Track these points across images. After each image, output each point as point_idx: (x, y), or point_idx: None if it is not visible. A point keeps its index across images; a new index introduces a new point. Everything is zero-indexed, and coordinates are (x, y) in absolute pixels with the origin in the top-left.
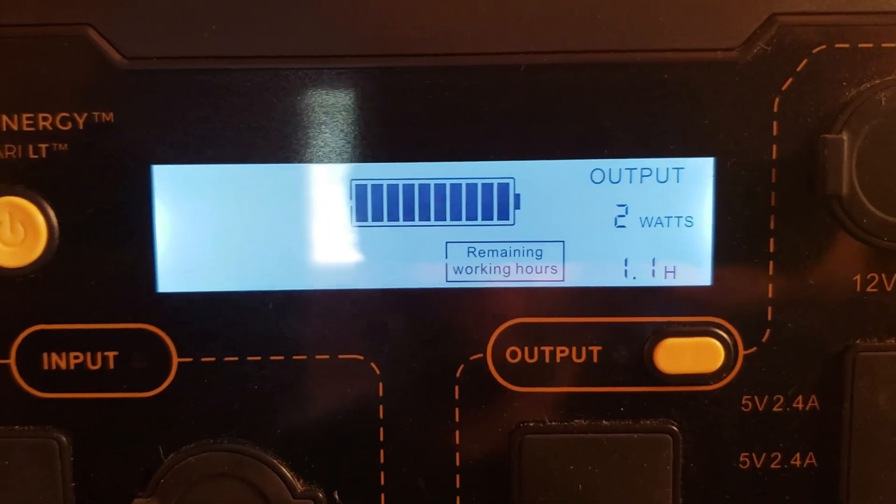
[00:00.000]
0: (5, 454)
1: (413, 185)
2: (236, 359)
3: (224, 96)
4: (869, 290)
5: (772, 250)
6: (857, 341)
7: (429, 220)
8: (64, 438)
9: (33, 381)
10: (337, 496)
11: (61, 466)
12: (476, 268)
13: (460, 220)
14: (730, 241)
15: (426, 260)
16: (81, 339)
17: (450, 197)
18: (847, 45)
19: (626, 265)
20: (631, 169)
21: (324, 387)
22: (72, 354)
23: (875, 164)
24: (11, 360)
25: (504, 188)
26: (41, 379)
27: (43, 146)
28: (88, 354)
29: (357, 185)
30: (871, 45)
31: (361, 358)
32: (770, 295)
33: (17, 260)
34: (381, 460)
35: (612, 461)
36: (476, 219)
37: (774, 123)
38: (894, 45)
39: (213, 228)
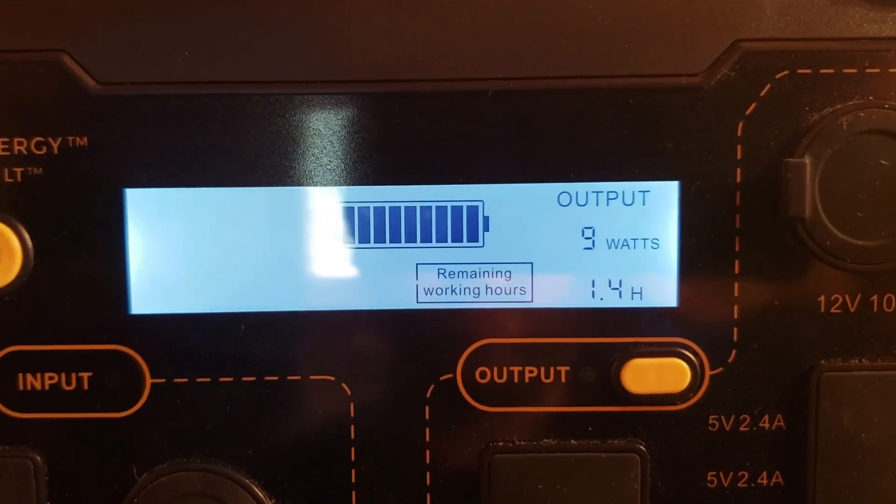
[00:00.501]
0: None
1: (384, 207)
2: (209, 379)
3: (196, 121)
4: (833, 310)
5: (737, 272)
6: (822, 361)
7: (399, 241)
8: (39, 458)
9: (8, 402)
10: None
11: (36, 486)
12: (446, 289)
13: (431, 242)
14: (695, 263)
15: (397, 281)
16: (56, 360)
17: (420, 219)
18: (809, 71)
19: (593, 286)
20: (597, 192)
21: (295, 407)
22: (46, 375)
23: (837, 188)
24: None
25: (473, 211)
26: (16, 399)
27: (18, 170)
28: (63, 375)
29: (328, 208)
30: (832, 71)
31: (332, 378)
32: (735, 316)
33: None
34: (353, 480)
35: (580, 480)
36: (446, 241)
37: (738, 147)
38: (855, 70)
39: (186, 251)
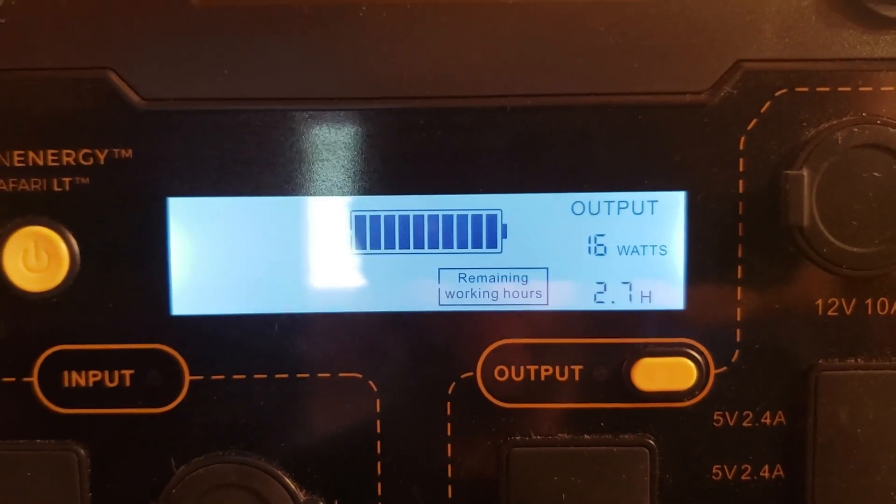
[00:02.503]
0: (27, 466)
1: (408, 216)
2: (244, 377)
3: (235, 134)
4: (830, 313)
5: (739, 277)
6: (820, 361)
7: (423, 248)
8: (82, 451)
9: (54, 398)
10: None
11: (79, 478)
12: (466, 292)
13: (452, 248)
14: (700, 268)
15: (420, 285)
16: (100, 359)
17: (442, 227)
18: (806, 89)
19: (604, 290)
20: (609, 202)
21: (325, 403)
22: (90, 373)
23: (833, 198)
24: (34, 378)
25: (492, 219)
26: (61, 396)
27: (66, 180)
28: (106, 373)
29: (356, 216)
30: (828, 89)
31: (360, 376)
32: (738, 318)
33: (41, 285)
34: (378, 472)
35: (593, 473)
36: (466, 247)
37: (741, 160)
38: (849, 88)
39: (224, 256)
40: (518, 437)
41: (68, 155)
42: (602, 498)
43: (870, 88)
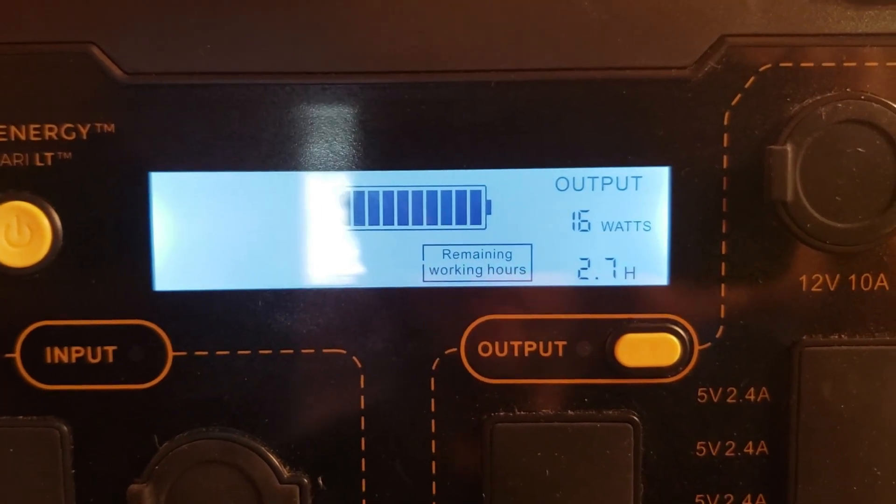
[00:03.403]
0: (10, 443)
1: (392, 191)
2: (227, 353)
3: (218, 109)
4: (814, 289)
5: (724, 252)
6: (804, 337)
7: (407, 224)
8: (65, 428)
9: (37, 374)
10: (321, 481)
11: (62, 454)
12: (451, 268)
13: (436, 224)
14: (685, 244)
15: (404, 261)
16: (82, 335)
17: (426, 203)
18: (791, 65)
19: (588, 266)
20: (593, 177)
21: (309, 379)
22: (73, 349)
23: (817, 173)
24: (16, 354)
25: (476, 195)
26: (44, 372)
27: (48, 154)
28: (89, 349)
29: (341, 192)
30: (812, 65)
31: (344, 352)
32: (722, 294)
33: (23, 260)
34: (363, 448)
35: (576, 449)
36: (451, 223)
37: (725, 135)
38: (833, 64)
39: (207, 231)
40: (502, 413)
41: (50, 129)
42: (586, 474)
43: (854, 64)
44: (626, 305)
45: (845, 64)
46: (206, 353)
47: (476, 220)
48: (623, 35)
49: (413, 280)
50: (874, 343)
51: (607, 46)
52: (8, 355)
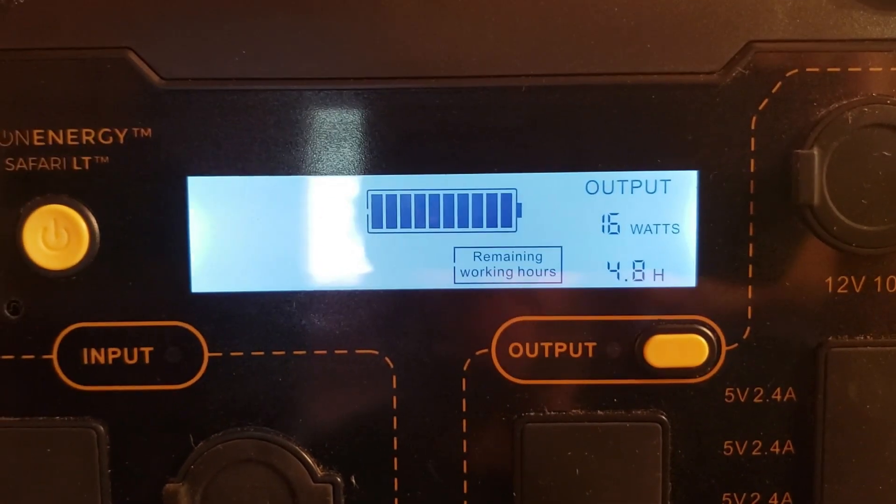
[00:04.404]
0: (48, 443)
1: (424, 195)
2: (262, 353)
3: (253, 114)
4: (840, 291)
5: (751, 255)
6: (830, 338)
7: (438, 227)
8: (101, 428)
9: (74, 375)
10: (354, 480)
11: (99, 454)
12: (481, 271)
13: (467, 227)
14: (712, 247)
15: (436, 264)
16: (119, 336)
17: (457, 206)
18: (817, 70)
19: (618, 268)
20: (622, 181)
21: (342, 379)
22: (110, 350)
23: (843, 177)
24: (54, 356)
25: (507, 198)
26: (81, 373)
27: (86, 159)
28: (125, 350)
29: (373, 196)
30: (838, 70)
31: (377, 353)
32: (749, 296)
33: (61, 263)
34: (395, 447)
35: (606, 448)
36: (481, 226)
37: (752, 140)
38: (859, 69)
39: (243, 234)
40: (532, 413)
41: (88, 134)
42: (615, 473)
43: (880, 69)
44: (654, 307)
45: (871, 69)
46: (241, 353)
47: (507, 222)
48: (652, 41)
49: (444, 282)
50: None
51: (636, 52)
52: (46, 356)
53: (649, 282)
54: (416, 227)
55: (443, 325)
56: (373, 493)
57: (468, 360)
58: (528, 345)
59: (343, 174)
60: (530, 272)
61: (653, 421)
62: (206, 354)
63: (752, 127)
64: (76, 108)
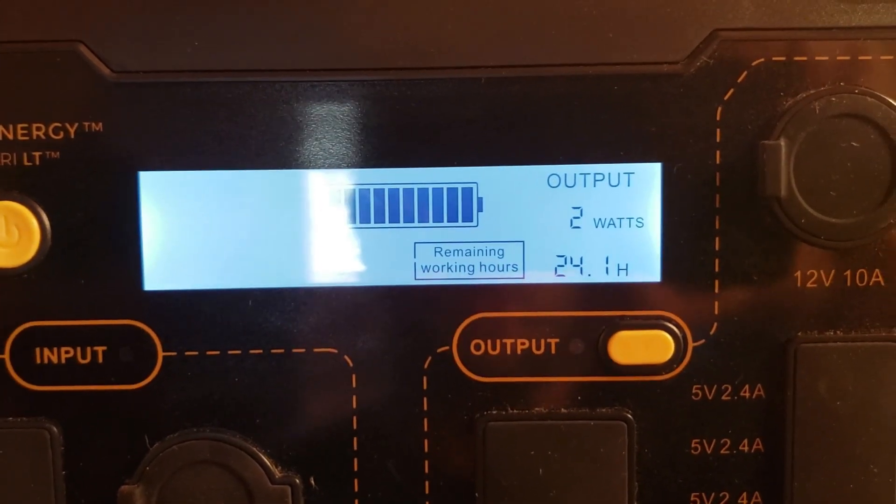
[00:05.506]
0: (0, 444)
1: (383, 189)
2: (218, 352)
3: (206, 107)
4: (809, 285)
5: (717, 249)
6: (799, 333)
7: (398, 222)
8: (55, 429)
9: (26, 375)
10: (313, 482)
11: (52, 455)
12: (442, 266)
13: (427, 222)
14: (677, 241)
15: (396, 259)
16: (72, 335)
17: (417, 200)
18: (783, 59)
19: (581, 263)
20: (585, 174)
21: (300, 379)
22: (63, 349)
23: (811, 168)
24: (6, 355)
25: (468, 192)
26: (34, 373)
27: (36, 154)
28: (78, 349)
29: (331, 190)
30: (805, 59)
31: (335, 351)
32: (716, 290)
33: (12, 260)
34: (355, 447)
35: (570, 447)
36: (442, 221)
37: (717, 131)
38: (827, 58)
39: (196, 230)
40: (494, 412)
41: (38, 129)
42: (579, 472)
43: (847, 57)
44: (619, 302)
45: (839, 58)
46: (196, 353)
47: (468, 217)
48: (614, 30)
49: (405, 278)
50: (870, 339)
51: (598, 42)
52: None
53: (613, 277)
54: (375, 222)
55: (403, 322)
56: (332, 494)
57: (429, 358)
58: (489, 342)
59: (298, 168)
60: (492, 267)
61: (618, 419)
62: (161, 354)
63: (718, 118)
64: (26, 103)
